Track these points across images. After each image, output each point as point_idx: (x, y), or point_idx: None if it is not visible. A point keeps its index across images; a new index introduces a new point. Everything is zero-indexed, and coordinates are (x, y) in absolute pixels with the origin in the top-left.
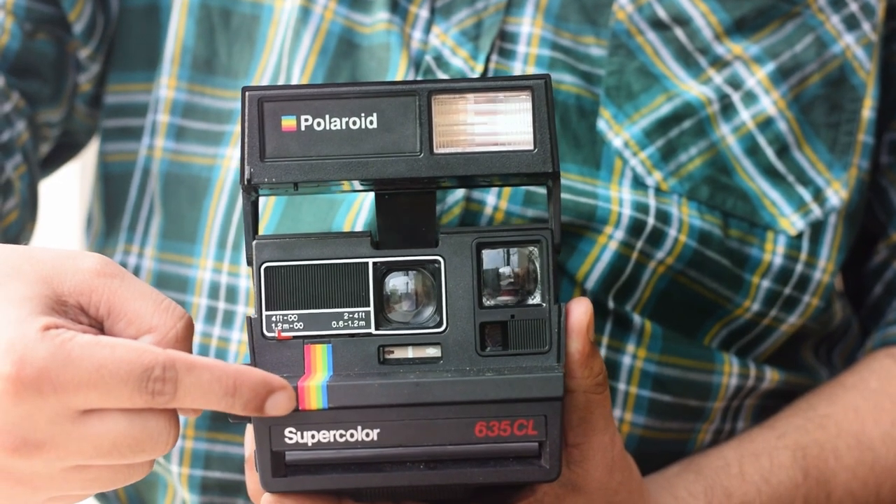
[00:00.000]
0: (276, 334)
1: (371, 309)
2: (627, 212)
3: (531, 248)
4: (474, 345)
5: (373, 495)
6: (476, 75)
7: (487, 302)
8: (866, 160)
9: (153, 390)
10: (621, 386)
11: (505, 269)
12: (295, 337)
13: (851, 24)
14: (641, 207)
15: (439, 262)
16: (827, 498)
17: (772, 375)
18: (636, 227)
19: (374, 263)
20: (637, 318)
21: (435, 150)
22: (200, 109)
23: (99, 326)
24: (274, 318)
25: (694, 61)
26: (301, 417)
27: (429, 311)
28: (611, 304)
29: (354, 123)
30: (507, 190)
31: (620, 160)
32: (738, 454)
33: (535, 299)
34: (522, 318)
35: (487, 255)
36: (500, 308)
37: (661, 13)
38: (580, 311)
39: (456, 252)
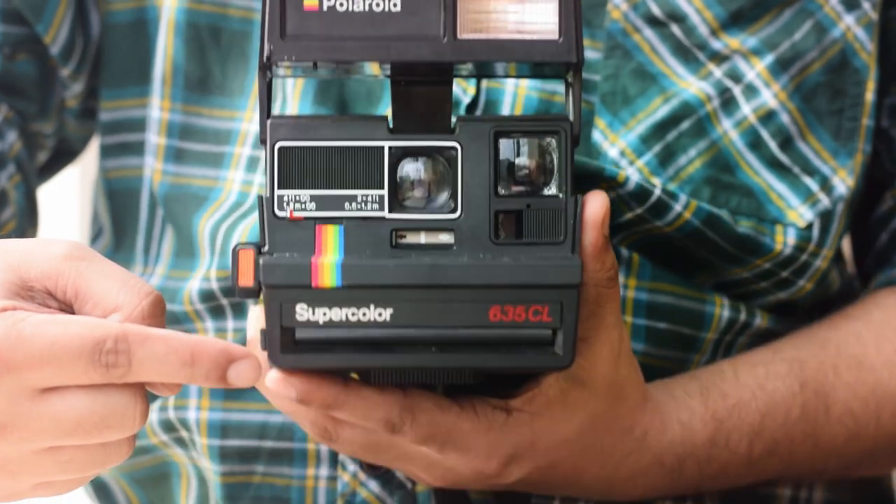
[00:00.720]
0: (287, 214)
1: (385, 192)
2: (635, 177)
3: (549, 139)
4: (488, 233)
5: (381, 377)
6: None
7: (503, 191)
8: (870, 144)
9: (107, 363)
10: None
11: (521, 160)
12: (307, 217)
13: (851, 3)
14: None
15: (456, 149)
16: (826, 411)
17: (763, 316)
18: (641, 194)
19: (390, 147)
20: (624, 251)
21: (459, 36)
22: (198, 130)
23: (69, 310)
24: (286, 198)
25: (693, 57)
26: (313, 294)
27: (443, 197)
28: None
29: (378, 6)
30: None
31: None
32: (733, 365)
33: (552, 190)
34: (538, 207)
35: (504, 144)
36: (516, 197)
37: (656, 10)
38: (597, 203)
39: (473, 139)
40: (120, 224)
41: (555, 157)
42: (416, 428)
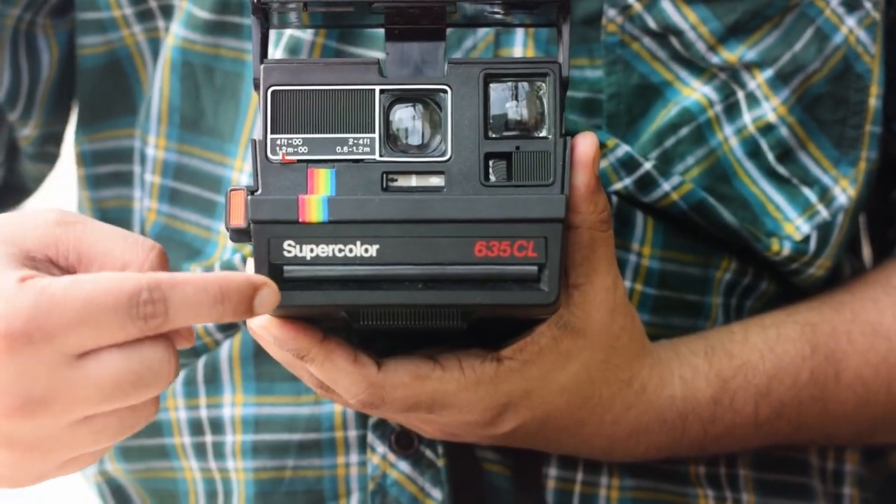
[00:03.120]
0: (280, 157)
1: (376, 136)
2: (624, 147)
3: (538, 84)
4: (478, 175)
5: (370, 318)
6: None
7: (493, 135)
8: (874, 151)
9: (144, 314)
10: (626, 283)
11: (511, 105)
12: (299, 161)
13: (852, 4)
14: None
15: (446, 91)
16: (836, 377)
17: (770, 280)
18: (629, 163)
19: (382, 90)
20: (639, 217)
21: None
22: (191, 171)
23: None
24: (279, 142)
25: (695, 64)
26: (301, 230)
27: (434, 141)
28: None
29: None
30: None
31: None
32: (744, 326)
33: (542, 133)
34: (528, 149)
35: (495, 91)
36: (506, 139)
37: (652, 24)
38: (586, 144)
39: (463, 82)
40: None
41: (545, 101)
42: (393, 403)
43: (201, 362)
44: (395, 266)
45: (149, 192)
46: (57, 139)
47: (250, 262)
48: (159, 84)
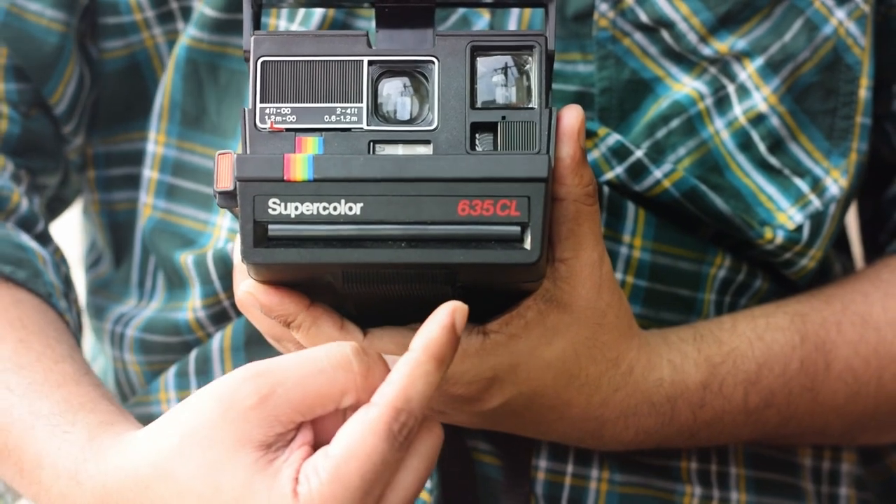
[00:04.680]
0: (268, 125)
1: (364, 105)
2: (615, 136)
3: (525, 57)
4: (464, 144)
5: (353, 279)
6: None
7: (479, 105)
8: (865, 142)
9: (405, 438)
10: (617, 275)
11: (498, 78)
12: (287, 129)
13: None
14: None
15: (433, 63)
16: (826, 367)
17: (764, 277)
18: (621, 151)
19: (370, 61)
20: (631, 207)
21: None
22: (190, 168)
23: (317, 428)
24: (267, 111)
25: (685, 58)
26: (286, 188)
27: (422, 111)
28: None
29: None
30: None
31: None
32: (733, 316)
33: (529, 104)
34: (513, 119)
35: (484, 65)
36: (492, 109)
37: (644, 17)
38: (572, 115)
39: (450, 54)
40: (119, 255)
41: (532, 75)
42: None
43: (193, 354)
44: (379, 225)
45: (146, 187)
46: (91, 140)
47: (236, 242)
48: (163, 82)
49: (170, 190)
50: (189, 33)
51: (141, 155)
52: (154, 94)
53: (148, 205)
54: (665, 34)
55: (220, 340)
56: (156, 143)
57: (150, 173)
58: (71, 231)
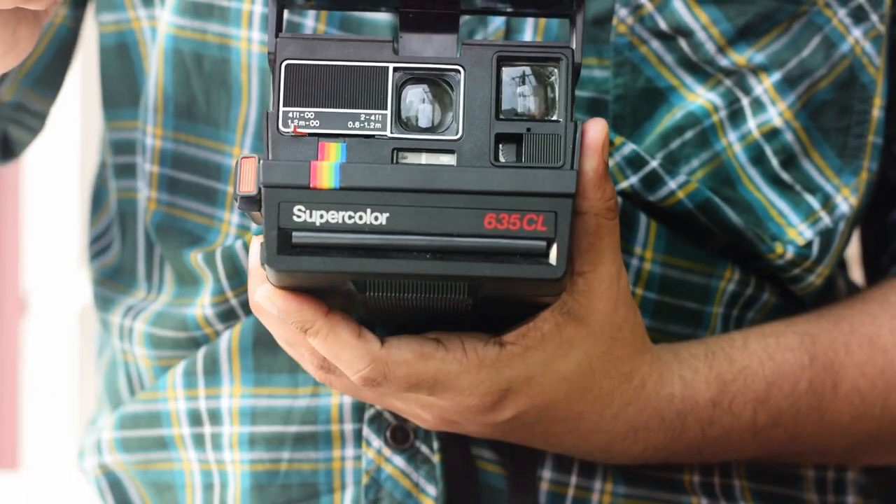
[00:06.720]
0: (291, 130)
1: (388, 112)
2: (631, 145)
3: (550, 69)
4: (488, 155)
5: (375, 287)
6: None
7: (504, 116)
8: (876, 162)
9: None
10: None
11: (524, 88)
12: (310, 134)
13: (859, 16)
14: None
15: (459, 72)
16: (833, 388)
17: (772, 291)
18: (636, 160)
19: (395, 68)
20: (643, 218)
21: None
22: (188, 160)
23: None
24: (291, 115)
25: (701, 69)
26: (311, 195)
27: (445, 121)
28: None
29: None
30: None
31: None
32: (744, 334)
33: (553, 117)
34: (538, 131)
35: (507, 75)
36: (517, 121)
37: (663, 24)
38: (597, 129)
39: (476, 63)
40: (126, 244)
41: (556, 87)
42: (395, 381)
43: (201, 353)
44: (404, 235)
45: (148, 181)
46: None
47: (255, 243)
48: (154, 73)
49: (171, 183)
50: (170, 21)
51: (132, 145)
52: (141, 82)
53: (152, 199)
54: (683, 43)
55: (227, 341)
56: (153, 137)
57: (150, 167)
58: (71, 230)
